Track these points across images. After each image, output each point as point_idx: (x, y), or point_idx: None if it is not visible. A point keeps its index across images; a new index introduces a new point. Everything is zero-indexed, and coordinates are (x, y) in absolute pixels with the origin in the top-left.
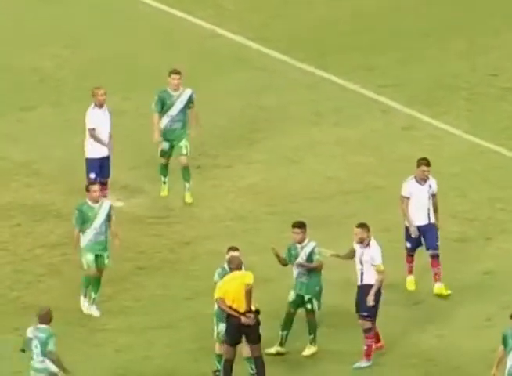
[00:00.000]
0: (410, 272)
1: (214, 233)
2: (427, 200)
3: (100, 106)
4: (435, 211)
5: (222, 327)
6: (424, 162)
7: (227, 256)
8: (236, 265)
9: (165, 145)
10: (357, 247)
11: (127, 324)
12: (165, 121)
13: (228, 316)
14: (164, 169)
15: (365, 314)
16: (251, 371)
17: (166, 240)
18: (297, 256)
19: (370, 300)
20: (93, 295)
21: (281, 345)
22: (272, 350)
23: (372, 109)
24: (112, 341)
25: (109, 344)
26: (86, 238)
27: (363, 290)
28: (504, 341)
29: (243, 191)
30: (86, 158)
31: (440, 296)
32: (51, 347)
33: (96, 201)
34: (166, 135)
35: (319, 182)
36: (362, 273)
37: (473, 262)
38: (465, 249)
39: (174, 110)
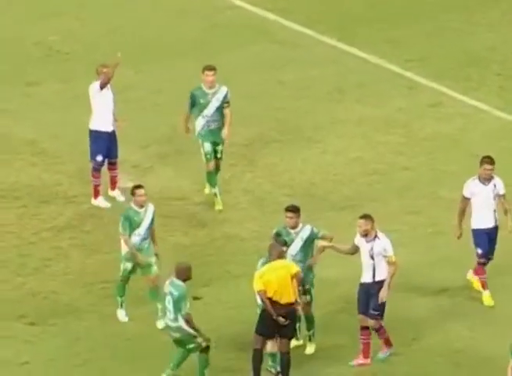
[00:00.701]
0: (484, 286)
1: (231, 216)
2: (492, 201)
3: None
4: (506, 212)
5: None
6: (487, 160)
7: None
8: (277, 255)
9: (207, 146)
10: (362, 241)
11: (138, 313)
12: (201, 122)
13: (263, 308)
14: (213, 177)
15: (376, 313)
16: (269, 368)
17: (180, 222)
18: (291, 243)
19: (384, 295)
20: (159, 306)
21: (297, 338)
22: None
23: (397, 85)
24: (124, 330)
25: (121, 333)
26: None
27: (376, 287)
28: None
29: (261, 172)
30: (91, 130)
31: (484, 304)
32: (184, 309)
33: (142, 206)
34: (205, 136)
35: (342, 162)
36: (374, 269)
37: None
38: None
39: (209, 110)
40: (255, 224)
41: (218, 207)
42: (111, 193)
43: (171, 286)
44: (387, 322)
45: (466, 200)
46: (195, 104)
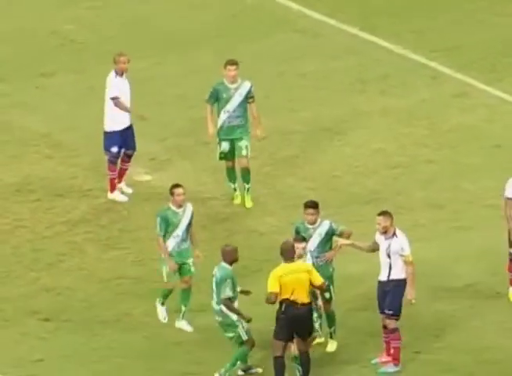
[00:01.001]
0: None
1: (250, 210)
2: None
3: (121, 74)
4: None
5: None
6: None
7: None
8: (292, 255)
9: (224, 145)
10: (381, 238)
11: (155, 309)
12: (223, 117)
13: (281, 311)
14: (232, 173)
15: (391, 312)
16: (299, 374)
17: (199, 216)
18: (309, 238)
19: (413, 296)
20: (183, 309)
21: (319, 336)
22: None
23: (421, 75)
24: (140, 326)
25: (137, 330)
26: (168, 248)
27: (390, 286)
28: None
29: (281, 164)
30: (105, 132)
31: (511, 300)
32: (224, 293)
33: (180, 206)
34: (225, 133)
35: (364, 155)
36: (390, 267)
37: None
38: None
39: (232, 105)
40: (275, 218)
41: (248, 205)
42: (117, 185)
43: (217, 268)
44: (408, 318)
45: (510, 202)
46: (217, 99)
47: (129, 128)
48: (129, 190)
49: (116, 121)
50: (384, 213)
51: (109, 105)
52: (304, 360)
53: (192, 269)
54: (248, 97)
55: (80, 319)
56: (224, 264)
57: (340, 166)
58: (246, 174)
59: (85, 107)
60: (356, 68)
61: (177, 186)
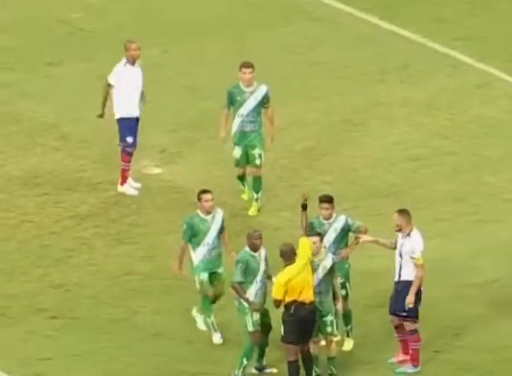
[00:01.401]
0: None
1: (265, 204)
2: None
3: (133, 62)
4: None
5: (331, 318)
6: None
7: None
8: (293, 257)
9: (237, 150)
10: (398, 236)
11: (167, 305)
12: (236, 121)
13: (289, 313)
14: (241, 181)
15: (404, 314)
16: (330, 371)
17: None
18: (324, 234)
19: (411, 301)
20: (212, 319)
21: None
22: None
23: (442, 65)
24: (150, 324)
25: (147, 327)
26: (199, 256)
27: (400, 287)
28: None
29: (297, 157)
30: (119, 119)
31: None
32: (234, 276)
33: (209, 212)
34: (237, 138)
35: (383, 147)
36: (400, 267)
37: None
38: None
39: (245, 109)
40: (290, 213)
41: (252, 213)
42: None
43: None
44: (427, 317)
45: None
46: (232, 102)
47: (137, 121)
48: (138, 185)
49: (133, 107)
50: (400, 211)
51: (122, 91)
52: (307, 360)
53: (224, 276)
54: (264, 102)
55: (88, 317)
56: (245, 248)
57: (359, 158)
58: (257, 182)
59: (94, 97)
60: (375, 57)
61: (205, 191)
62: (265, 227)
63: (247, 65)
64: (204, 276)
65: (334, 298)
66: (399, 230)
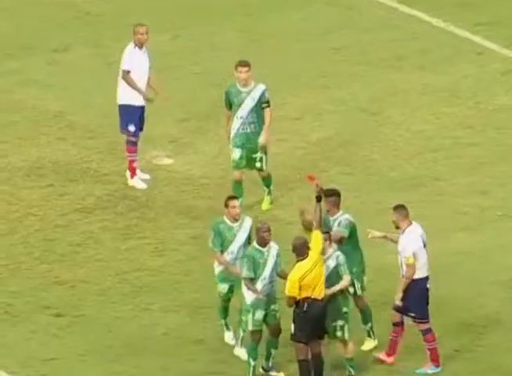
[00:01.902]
0: None
1: (279, 196)
2: None
3: (140, 46)
4: None
5: (341, 322)
6: None
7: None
8: (306, 252)
9: (236, 152)
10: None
11: (177, 303)
12: (236, 123)
13: (302, 311)
14: (238, 187)
15: (412, 315)
16: (348, 373)
17: (223, 204)
18: (329, 230)
19: (397, 298)
20: (241, 334)
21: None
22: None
23: (465, 51)
24: (160, 322)
25: (156, 326)
26: (220, 265)
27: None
28: None
29: (314, 147)
30: (122, 105)
31: None
32: (241, 271)
33: (236, 219)
34: (237, 140)
35: (403, 137)
36: (401, 264)
37: None
38: None
39: (244, 110)
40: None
41: (264, 207)
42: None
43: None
44: (449, 314)
45: None
46: (230, 104)
47: (143, 109)
48: (146, 176)
49: (135, 94)
50: (395, 207)
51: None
52: (316, 365)
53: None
54: (262, 102)
55: (94, 315)
56: (254, 242)
57: (377, 149)
58: (266, 179)
59: (101, 85)
60: (393, 43)
61: (232, 197)
62: (278, 221)
63: (243, 64)
64: (224, 287)
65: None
66: (396, 227)
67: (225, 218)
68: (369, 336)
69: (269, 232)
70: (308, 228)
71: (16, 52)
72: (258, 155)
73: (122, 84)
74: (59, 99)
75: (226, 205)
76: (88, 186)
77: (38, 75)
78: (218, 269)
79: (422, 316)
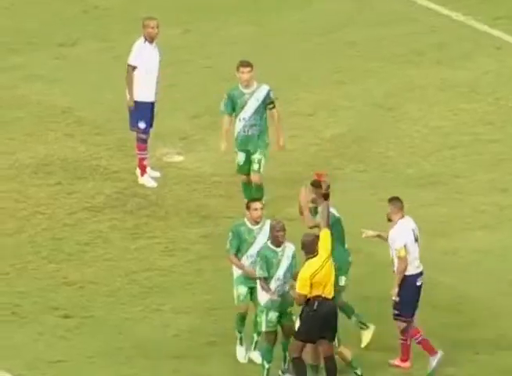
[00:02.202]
0: None
1: (292, 193)
2: None
3: (151, 40)
4: None
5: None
6: None
7: None
8: (316, 249)
9: (240, 156)
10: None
11: (188, 303)
12: (239, 126)
13: (312, 309)
14: (247, 189)
15: (396, 312)
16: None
17: (235, 202)
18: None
19: (393, 294)
20: (255, 338)
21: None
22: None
23: (484, 45)
24: (170, 324)
25: (166, 327)
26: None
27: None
28: None
29: (328, 144)
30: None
31: None
32: (258, 269)
33: (257, 222)
34: (241, 144)
35: (420, 133)
36: (392, 259)
37: None
38: None
39: (247, 112)
40: None
41: None
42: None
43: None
44: (466, 316)
45: None
46: (234, 106)
47: (153, 106)
48: (157, 174)
49: (145, 90)
50: (389, 199)
51: (138, 73)
52: (331, 367)
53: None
54: (267, 103)
55: (103, 316)
56: (268, 242)
57: (394, 146)
58: (257, 190)
59: (110, 80)
60: (410, 37)
61: (255, 200)
62: (289, 220)
63: (245, 64)
64: (243, 290)
65: None
66: (389, 220)
67: (246, 221)
68: (361, 328)
69: (283, 231)
70: (300, 211)
71: (19, 47)
72: (257, 156)
73: (134, 81)
74: (67, 94)
75: (248, 207)
76: (97, 183)
77: (45, 70)
78: (236, 272)
79: (406, 315)
